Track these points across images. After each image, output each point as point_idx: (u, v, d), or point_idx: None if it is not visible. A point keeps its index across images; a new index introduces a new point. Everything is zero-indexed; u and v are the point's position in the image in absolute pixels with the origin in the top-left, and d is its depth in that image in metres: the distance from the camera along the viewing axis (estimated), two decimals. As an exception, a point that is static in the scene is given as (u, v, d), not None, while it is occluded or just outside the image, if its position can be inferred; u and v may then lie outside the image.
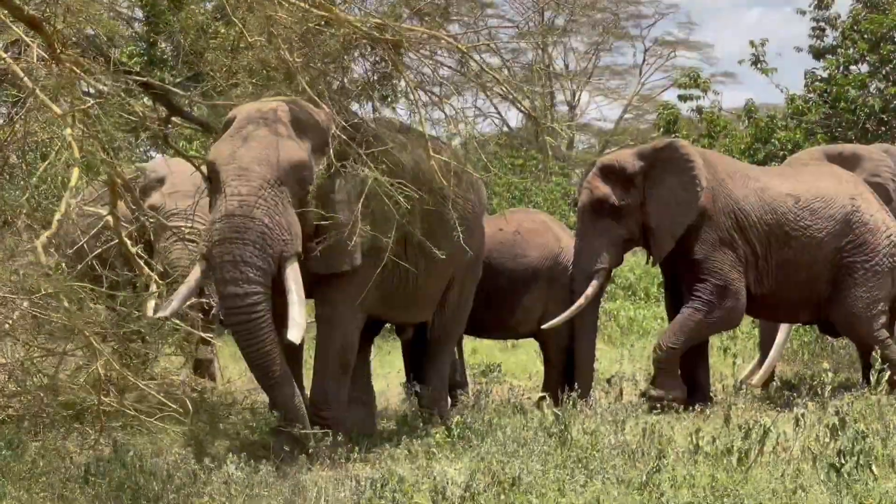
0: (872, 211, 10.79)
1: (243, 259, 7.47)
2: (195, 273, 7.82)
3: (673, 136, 19.13)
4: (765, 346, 11.72)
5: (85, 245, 9.62)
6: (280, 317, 7.78)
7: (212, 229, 7.62)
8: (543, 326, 10.65)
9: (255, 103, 8.20)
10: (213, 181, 7.84)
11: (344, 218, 7.99)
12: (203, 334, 9.57)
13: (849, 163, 11.49)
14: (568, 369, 10.97)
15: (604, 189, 10.70)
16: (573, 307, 10.56)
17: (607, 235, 10.71)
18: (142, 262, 9.14)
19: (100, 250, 9.54)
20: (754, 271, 10.60)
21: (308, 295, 7.95)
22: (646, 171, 10.72)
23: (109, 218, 8.99)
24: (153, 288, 8.93)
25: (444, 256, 8.64)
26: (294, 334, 7.52)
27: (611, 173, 10.76)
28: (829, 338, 12.92)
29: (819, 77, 19.31)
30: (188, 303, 8.26)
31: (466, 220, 9.14)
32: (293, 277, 7.65)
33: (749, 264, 10.57)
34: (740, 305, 10.57)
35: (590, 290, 10.60)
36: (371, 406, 9.50)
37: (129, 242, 9.11)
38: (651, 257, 10.93)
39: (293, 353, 8.11)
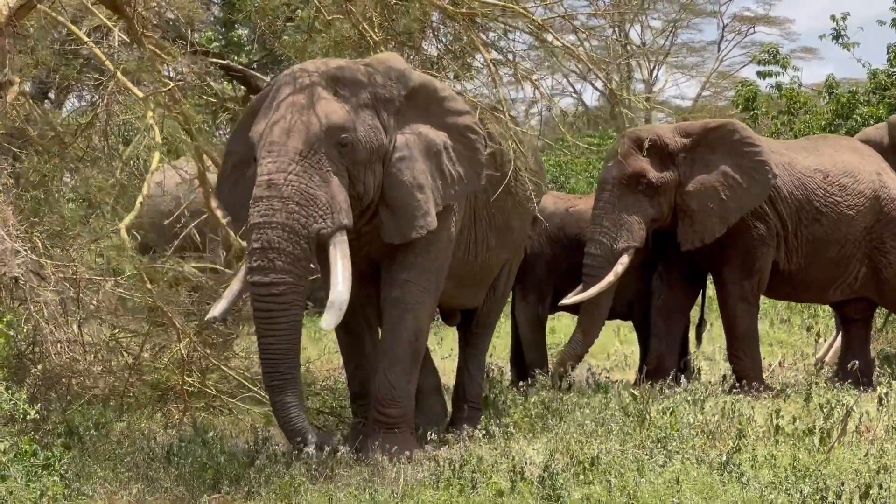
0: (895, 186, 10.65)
1: (270, 245, 6.75)
2: (244, 267, 7.08)
3: (751, 112, 18.93)
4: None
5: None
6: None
7: (249, 215, 6.92)
8: (560, 303, 10.17)
9: (293, 67, 7.46)
10: (257, 160, 7.05)
11: (408, 179, 7.29)
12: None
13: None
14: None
15: (642, 163, 10.00)
16: (602, 283, 9.90)
17: (638, 212, 10.01)
18: (233, 234, 9.07)
19: (192, 225, 9.59)
20: (784, 246, 10.18)
21: (379, 273, 7.61)
22: (690, 150, 10.13)
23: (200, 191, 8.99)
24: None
25: (515, 231, 8.33)
26: (326, 320, 6.83)
27: (649, 148, 10.02)
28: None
29: (902, 51, 18.98)
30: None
31: (532, 199, 8.64)
32: (339, 254, 6.90)
33: (780, 239, 10.15)
34: (765, 278, 10.22)
35: (619, 268, 9.91)
36: (440, 391, 8.73)
37: (220, 214, 8.98)
38: (679, 241, 10.15)
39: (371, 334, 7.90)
